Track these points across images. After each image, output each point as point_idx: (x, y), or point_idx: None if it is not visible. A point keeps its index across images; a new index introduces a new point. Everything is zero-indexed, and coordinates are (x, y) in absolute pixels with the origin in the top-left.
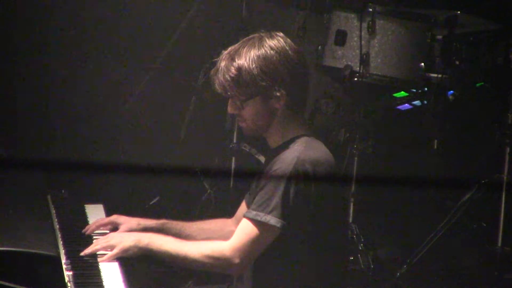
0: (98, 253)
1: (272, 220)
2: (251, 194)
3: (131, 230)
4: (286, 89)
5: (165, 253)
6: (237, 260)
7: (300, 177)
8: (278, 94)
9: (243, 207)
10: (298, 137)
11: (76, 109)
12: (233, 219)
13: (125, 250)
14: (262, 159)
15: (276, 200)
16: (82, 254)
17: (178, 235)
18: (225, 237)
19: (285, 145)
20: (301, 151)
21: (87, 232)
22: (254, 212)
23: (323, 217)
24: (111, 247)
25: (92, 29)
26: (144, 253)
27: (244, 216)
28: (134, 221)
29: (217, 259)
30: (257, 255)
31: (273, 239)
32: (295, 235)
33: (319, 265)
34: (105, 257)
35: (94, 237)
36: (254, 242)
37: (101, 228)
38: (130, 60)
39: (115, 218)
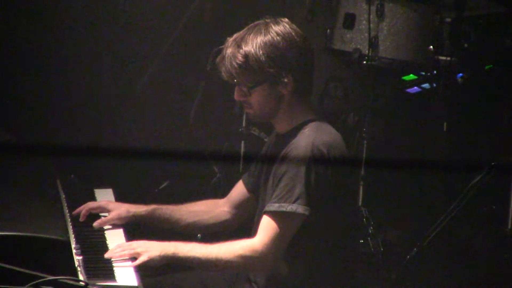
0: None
1: (300, 208)
2: (251, 176)
3: (120, 217)
4: (293, 75)
5: (194, 259)
6: (269, 256)
7: (318, 161)
8: (285, 80)
9: (239, 188)
10: (306, 122)
11: (86, 94)
12: (226, 199)
13: (151, 259)
14: None
15: (300, 188)
16: (106, 256)
17: (169, 219)
18: (216, 218)
19: (294, 131)
20: (314, 136)
21: (81, 218)
22: (277, 204)
23: (339, 200)
24: (137, 255)
25: (102, 13)
26: (170, 261)
27: (267, 211)
28: (123, 208)
29: (250, 257)
30: (286, 245)
31: (299, 226)
32: (314, 220)
33: (330, 248)
34: (129, 265)
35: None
36: (282, 234)
37: (92, 211)
38: (139, 44)
39: (105, 203)
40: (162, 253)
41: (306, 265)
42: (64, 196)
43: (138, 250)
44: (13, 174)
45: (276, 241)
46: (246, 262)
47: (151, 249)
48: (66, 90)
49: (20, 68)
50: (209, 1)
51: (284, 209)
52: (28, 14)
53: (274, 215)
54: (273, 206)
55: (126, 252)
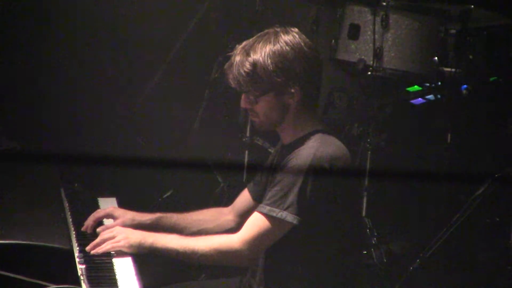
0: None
1: (289, 217)
2: (256, 185)
3: (125, 225)
4: (300, 85)
5: (172, 250)
6: (246, 253)
7: (316, 173)
8: (292, 90)
9: (244, 196)
10: (312, 133)
11: (90, 102)
12: (230, 208)
13: (130, 246)
14: None
15: (293, 196)
16: (87, 249)
17: (174, 228)
18: (221, 227)
19: (299, 141)
20: (317, 148)
21: (88, 230)
22: (268, 208)
23: (338, 211)
24: (117, 242)
25: (106, 23)
26: (149, 252)
27: (257, 211)
28: (129, 216)
29: (225, 252)
30: (266, 248)
31: (284, 233)
32: (309, 230)
33: (332, 259)
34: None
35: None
36: (265, 236)
37: (98, 220)
38: (144, 53)
39: (111, 210)
40: (141, 241)
41: (307, 275)
42: (67, 204)
43: (118, 238)
44: (16, 182)
45: (256, 242)
46: (220, 257)
47: (131, 236)
48: (70, 99)
49: (24, 77)
50: (214, 12)
51: (274, 214)
52: (32, 24)
53: (262, 216)
54: (265, 209)
55: (109, 246)
